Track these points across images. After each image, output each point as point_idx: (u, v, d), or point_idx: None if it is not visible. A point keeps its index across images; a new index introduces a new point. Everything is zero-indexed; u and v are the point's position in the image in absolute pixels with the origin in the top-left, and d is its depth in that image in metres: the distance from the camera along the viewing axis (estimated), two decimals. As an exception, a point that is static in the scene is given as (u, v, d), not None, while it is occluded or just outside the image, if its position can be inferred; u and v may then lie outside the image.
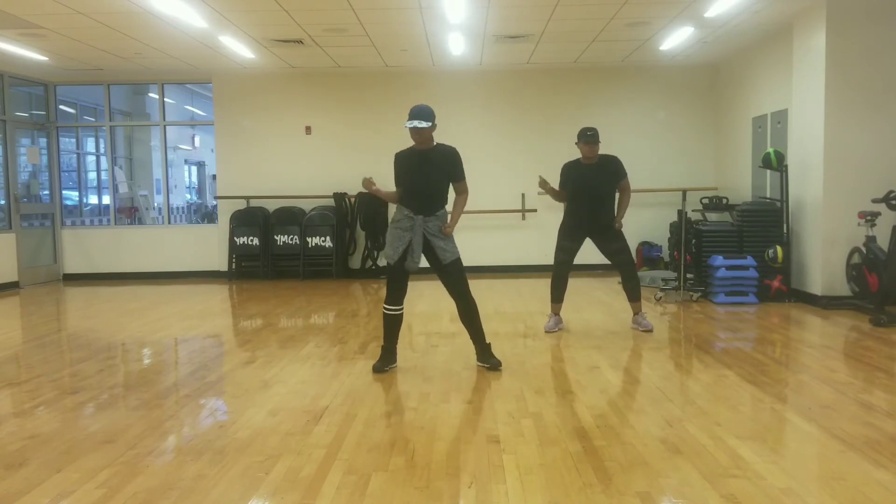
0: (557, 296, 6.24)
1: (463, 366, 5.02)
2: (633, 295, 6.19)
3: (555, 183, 6.07)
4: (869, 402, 4.07)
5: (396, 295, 4.89)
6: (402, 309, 4.94)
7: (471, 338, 5.01)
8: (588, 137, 5.89)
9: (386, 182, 4.98)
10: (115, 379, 4.95)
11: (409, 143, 4.89)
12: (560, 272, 6.21)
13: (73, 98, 12.70)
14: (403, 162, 4.87)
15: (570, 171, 6.06)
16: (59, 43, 8.49)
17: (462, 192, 4.92)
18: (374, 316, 7.24)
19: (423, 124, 4.67)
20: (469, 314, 4.93)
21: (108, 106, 11.02)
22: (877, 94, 7.15)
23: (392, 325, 4.95)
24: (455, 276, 4.86)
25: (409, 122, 4.68)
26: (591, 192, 5.97)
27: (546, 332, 6.18)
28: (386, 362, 4.95)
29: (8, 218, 10.12)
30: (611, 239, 6.06)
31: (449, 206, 4.90)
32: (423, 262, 4.86)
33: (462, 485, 2.97)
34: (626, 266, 6.14)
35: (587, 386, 4.50)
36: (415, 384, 4.58)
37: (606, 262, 6.30)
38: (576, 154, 6.15)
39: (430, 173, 4.77)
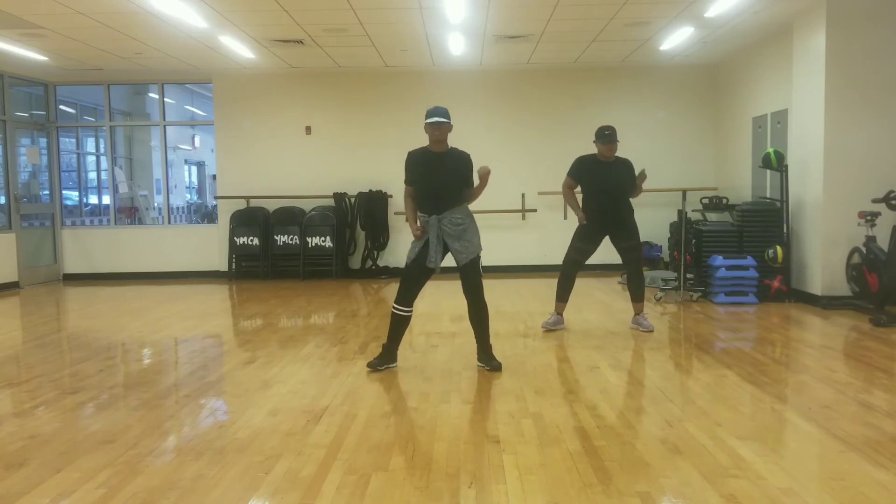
0: (562, 295, 6.23)
1: (463, 366, 5.02)
2: (636, 295, 6.18)
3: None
4: (869, 402, 4.07)
5: (408, 295, 4.88)
6: (411, 311, 4.91)
7: (475, 336, 5.00)
8: (606, 137, 5.88)
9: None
10: (115, 379, 4.95)
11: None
12: (568, 271, 6.20)
13: (73, 98, 12.69)
14: (417, 162, 4.85)
15: (587, 166, 6.03)
16: (59, 43, 8.49)
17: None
18: (375, 316, 7.24)
19: (445, 120, 4.72)
20: (478, 316, 4.92)
21: (108, 106, 11.02)
22: (877, 94, 7.14)
23: (398, 326, 4.92)
24: (469, 277, 4.84)
25: (431, 118, 4.71)
26: (609, 189, 5.96)
27: (543, 329, 6.17)
28: (384, 361, 4.94)
29: (8, 218, 10.11)
30: (624, 237, 6.06)
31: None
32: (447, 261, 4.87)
33: (462, 485, 2.97)
34: (633, 265, 6.14)
35: (587, 386, 4.50)
36: (415, 384, 4.58)
37: (607, 262, 6.30)
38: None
39: (444, 176, 4.77)
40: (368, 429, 3.71)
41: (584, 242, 6.10)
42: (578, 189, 6.14)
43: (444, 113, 4.74)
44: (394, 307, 4.91)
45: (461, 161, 4.84)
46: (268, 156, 10.70)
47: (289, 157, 10.70)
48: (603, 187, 5.96)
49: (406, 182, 4.93)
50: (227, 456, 3.35)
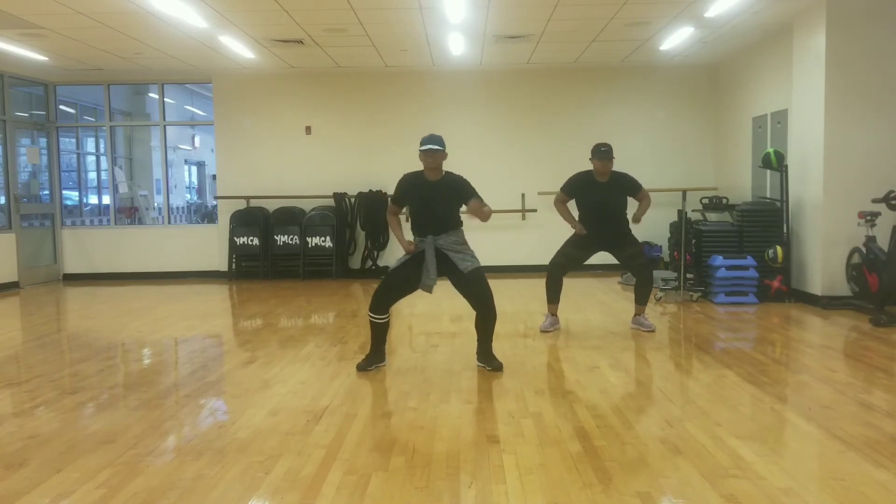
0: (552, 296, 6.22)
1: (463, 366, 5.02)
2: (642, 299, 6.18)
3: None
4: (869, 402, 4.07)
5: (383, 302, 4.85)
6: (388, 317, 4.90)
7: (478, 339, 4.99)
8: (602, 154, 5.85)
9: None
10: (115, 379, 4.95)
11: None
12: (553, 272, 6.19)
13: (73, 98, 12.69)
14: (410, 187, 4.82)
15: (581, 183, 6.01)
16: (59, 43, 8.49)
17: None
18: (374, 316, 7.23)
19: (438, 147, 4.69)
20: (487, 324, 4.88)
21: (108, 106, 11.02)
22: (877, 94, 7.14)
23: (379, 332, 4.92)
24: (477, 285, 4.79)
25: (424, 145, 4.69)
26: (603, 208, 5.95)
27: (541, 331, 6.17)
28: (371, 362, 4.93)
29: (8, 218, 10.11)
30: (625, 246, 6.06)
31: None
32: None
33: (462, 485, 2.97)
34: (643, 270, 6.12)
35: (587, 386, 4.49)
36: (415, 384, 4.58)
37: (606, 262, 6.29)
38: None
39: (439, 204, 4.74)
40: (368, 429, 3.71)
41: (576, 249, 6.09)
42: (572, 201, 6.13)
43: (438, 140, 4.71)
44: (370, 315, 4.88)
45: (456, 186, 4.78)
46: (268, 156, 10.70)
47: (289, 157, 10.70)
48: (596, 206, 5.96)
49: (392, 199, 4.92)
50: (227, 456, 3.35)
